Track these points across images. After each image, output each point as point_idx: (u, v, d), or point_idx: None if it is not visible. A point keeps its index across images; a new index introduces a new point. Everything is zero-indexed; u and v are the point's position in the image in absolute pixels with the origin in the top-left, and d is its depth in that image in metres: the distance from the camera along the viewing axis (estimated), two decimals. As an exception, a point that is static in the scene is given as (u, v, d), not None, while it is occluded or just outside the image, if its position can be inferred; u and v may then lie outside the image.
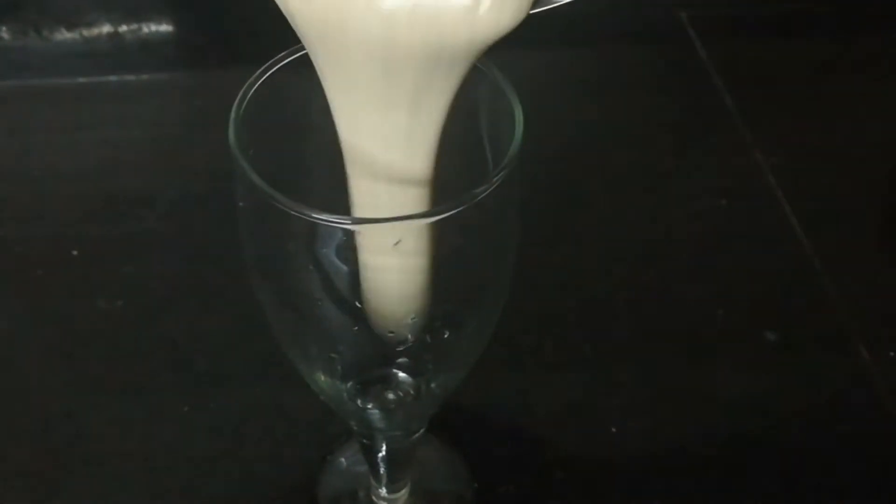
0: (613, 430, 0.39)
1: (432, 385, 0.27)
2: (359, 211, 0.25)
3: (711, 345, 0.42)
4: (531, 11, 0.21)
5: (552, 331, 0.42)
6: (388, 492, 0.35)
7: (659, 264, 0.45)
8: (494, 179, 0.22)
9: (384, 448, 0.32)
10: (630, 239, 0.46)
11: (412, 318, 0.25)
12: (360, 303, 0.24)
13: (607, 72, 0.56)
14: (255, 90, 0.23)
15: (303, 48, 0.23)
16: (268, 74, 0.24)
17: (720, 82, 0.54)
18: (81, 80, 0.55)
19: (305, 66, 0.23)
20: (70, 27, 0.58)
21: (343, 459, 0.38)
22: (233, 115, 0.23)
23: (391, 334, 0.25)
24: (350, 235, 0.23)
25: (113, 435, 0.38)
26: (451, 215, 0.22)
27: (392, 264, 0.23)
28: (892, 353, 0.42)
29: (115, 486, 0.37)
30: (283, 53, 0.24)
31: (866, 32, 0.59)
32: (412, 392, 0.28)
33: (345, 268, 0.24)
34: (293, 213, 0.22)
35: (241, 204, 0.23)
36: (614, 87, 0.55)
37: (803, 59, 0.57)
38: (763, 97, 0.54)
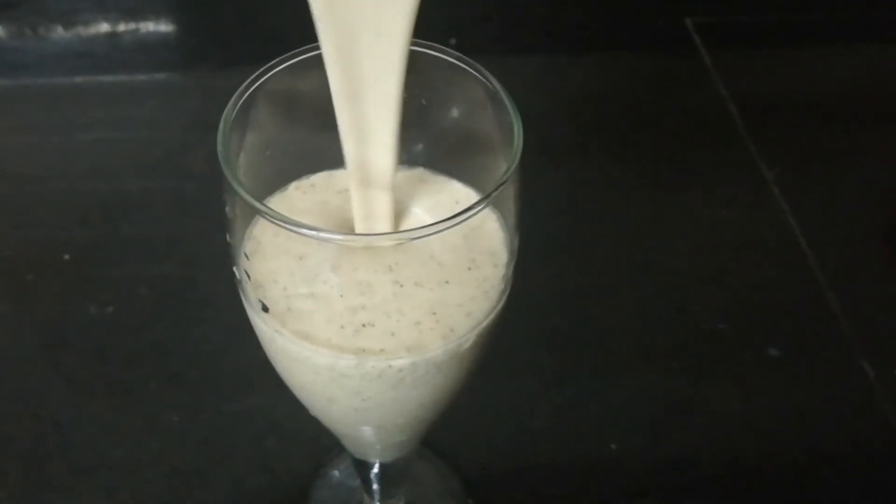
0: (613, 446, 0.38)
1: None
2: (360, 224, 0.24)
3: (713, 360, 0.41)
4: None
5: (551, 344, 0.41)
6: (381, 507, 0.34)
7: (661, 277, 0.45)
8: (492, 194, 0.21)
9: (377, 464, 0.31)
10: (631, 251, 0.46)
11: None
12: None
13: (612, 79, 0.55)
14: (245, 100, 0.23)
15: (292, 57, 0.23)
16: (258, 84, 0.23)
17: (725, 92, 0.54)
18: (78, 80, 0.55)
19: (296, 74, 0.23)
20: (67, 27, 0.57)
21: (336, 472, 0.37)
22: (221, 125, 0.22)
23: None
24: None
25: (100, 444, 0.38)
26: (452, 228, 0.21)
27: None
28: (897, 371, 0.41)
29: (102, 497, 0.36)
30: (273, 61, 0.23)
31: (872, 43, 0.59)
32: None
33: (336, 279, 0.23)
34: (283, 227, 0.21)
35: (229, 215, 0.23)
36: (619, 94, 0.54)
37: (809, 69, 0.57)
38: (768, 107, 0.53)
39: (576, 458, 0.38)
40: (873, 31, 0.59)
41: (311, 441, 0.37)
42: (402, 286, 0.23)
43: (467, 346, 0.23)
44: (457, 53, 0.24)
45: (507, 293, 0.24)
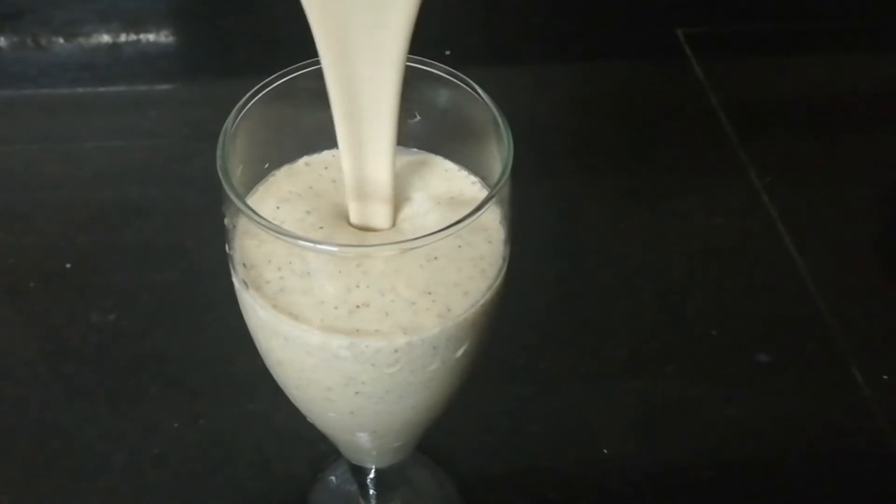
0: (605, 450, 0.39)
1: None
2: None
3: (705, 365, 0.42)
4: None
5: (545, 349, 0.42)
6: (378, 512, 0.35)
7: (653, 283, 0.45)
8: (484, 205, 0.22)
9: (373, 469, 0.32)
10: (625, 257, 0.46)
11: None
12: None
13: (604, 89, 0.56)
14: (244, 114, 0.23)
15: (290, 72, 0.23)
16: (257, 98, 0.24)
17: (716, 101, 0.54)
18: (80, 90, 0.55)
19: (294, 88, 0.23)
20: (69, 38, 0.58)
21: (333, 477, 0.38)
22: (221, 139, 0.23)
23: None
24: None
25: (101, 449, 0.38)
26: (446, 237, 0.22)
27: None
28: (885, 377, 0.41)
29: (103, 501, 0.37)
30: (272, 76, 0.24)
31: (862, 52, 0.59)
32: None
33: (332, 290, 0.24)
34: (280, 238, 0.22)
35: (228, 226, 0.23)
36: (611, 104, 0.55)
37: (800, 78, 0.58)
38: (759, 116, 0.54)
39: (570, 462, 0.38)
40: (863, 41, 0.60)
41: (310, 446, 0.38)
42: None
43: (465, 326, 0.23)
44: (448, 68, 0.25)
45: (504, 271, 0.24)
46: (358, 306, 0.22)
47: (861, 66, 0.58)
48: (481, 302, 0.23)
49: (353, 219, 0.25)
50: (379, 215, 0.24)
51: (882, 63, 0.59)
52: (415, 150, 0.26)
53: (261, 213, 0.22)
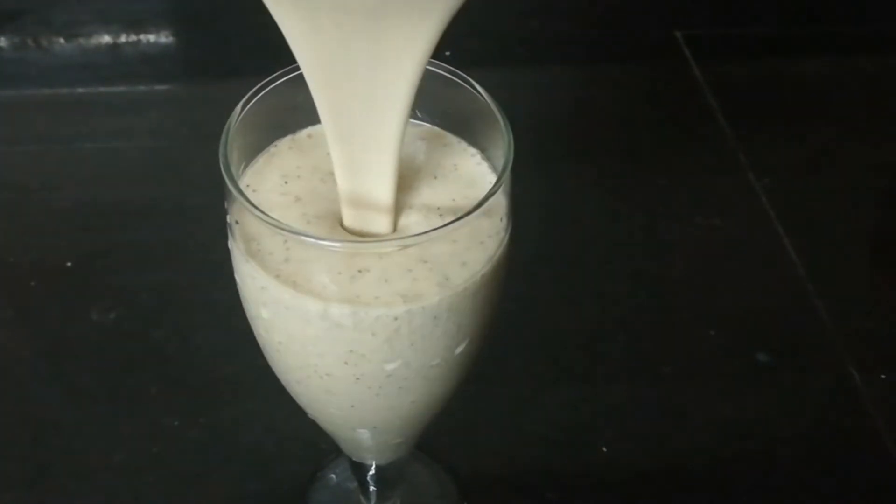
0: (604, 449, 0.39)
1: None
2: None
3: (703, 365, 0.42)
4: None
5: (543, 349, 0.42)
6: (377, 509, 0.35)
7: (651, 284, 0.45)
8: (482, 203, 0.22)
9: (374, 466, 0.32)
10: (623, 258, 0.47)
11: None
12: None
13: (604, 91, 0.56)
14: (246, 112, 0.24)
15: (291, 70, 0.23)
16: (259, 96, 0.24)
17: (714, 102, 0.55)
18: (80, 90, 0.55)
19: (295, 87, 0.23)
20: (69, 39, 0.58)
21: (333, 475, 0.38)
22: (223, 137, 0.23)
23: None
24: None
25: (101, 448, 0.38)
26: (443, 234, 0.22)
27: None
28: (883, 376, 0.42)
29: (103, 500, 0.37)
30: (274, 75, 0.24)
31: (860, 54, 0.60)
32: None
33: (335, 288, 0.24)
34: (284, 232, 0.22)
35: (233, 223, 0.23)
36: (609, 105, 0.55)
37: (797, 80, 0.58)
38: (757, 117, 0.54)
39: (568, 462, 0.38)
40: (861, 42, 0.60)
41: (309, 445, 0.38)
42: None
43: (465, 297, 0.23)
44: (450, 67, 0.25)
45: (505, 244, 0.24)
46: (360, 271, 0.22)
47: (860, 67, 0.59)
48: (481, 272, 0.23)
49: (347, 222, 0.24)
50: (376, 223, 0.24)
51: (880, 64, 0.59)
52: (412, 120, 0.26)
53: (265, 185, 0.22)
